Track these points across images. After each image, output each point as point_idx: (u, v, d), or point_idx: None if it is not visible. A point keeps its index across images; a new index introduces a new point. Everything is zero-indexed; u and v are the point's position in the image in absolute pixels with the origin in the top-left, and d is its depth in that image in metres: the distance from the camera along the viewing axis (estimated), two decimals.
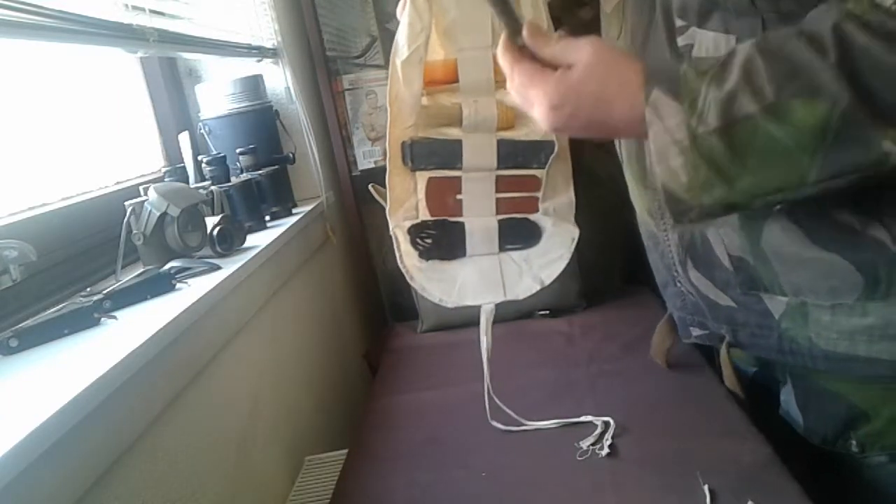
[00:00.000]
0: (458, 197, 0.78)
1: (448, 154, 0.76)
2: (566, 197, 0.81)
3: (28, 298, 0.87)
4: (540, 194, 0.80)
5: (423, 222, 0.78)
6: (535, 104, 0.62)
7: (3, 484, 0.52)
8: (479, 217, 0.79)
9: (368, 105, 1.78)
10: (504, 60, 0.63)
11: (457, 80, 0.75)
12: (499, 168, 0.78)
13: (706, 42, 0.68)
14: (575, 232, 0.81)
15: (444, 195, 0.78)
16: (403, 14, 0.72)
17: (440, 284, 0.78)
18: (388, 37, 1.82)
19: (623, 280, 1.48)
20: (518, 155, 0.78)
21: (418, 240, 0.78)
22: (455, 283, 0.79)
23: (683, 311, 0.89)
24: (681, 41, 0.70)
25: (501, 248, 0.80)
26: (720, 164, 0.56)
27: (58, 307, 0.82)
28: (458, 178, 0.78)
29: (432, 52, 0.74)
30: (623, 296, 1.42)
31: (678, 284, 0.86)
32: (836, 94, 0.53)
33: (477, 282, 0.79)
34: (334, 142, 1.75)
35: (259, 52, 1.50)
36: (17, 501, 0.55)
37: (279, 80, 1.56)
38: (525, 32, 0.62)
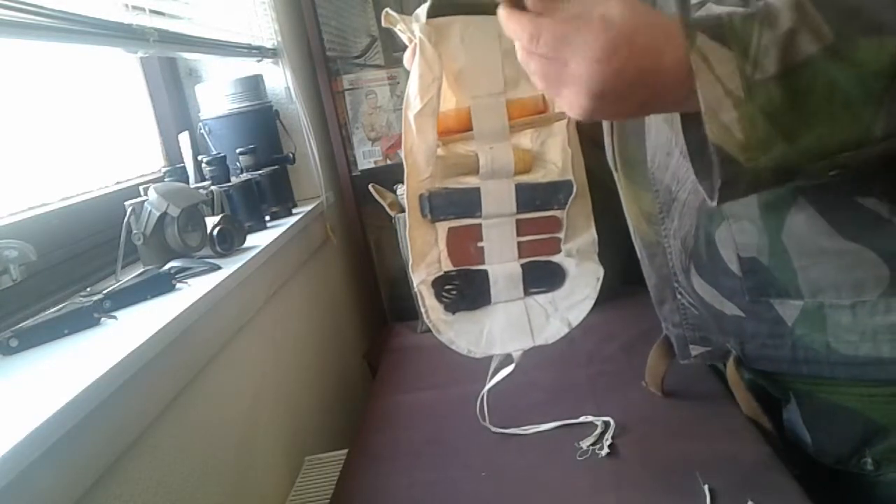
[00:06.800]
0: (480, 244, 0.77)
1: (467, 203, 0.75)
2: (588, 235, 0.80)
3: (28, 298, 0.87)
4: (562, 235, 0.79)
5: (447, 274, 0.77)
6: (572, 60, 0.50)
7: (3, 484, 0.52)
8: (501, 263, 0.78)
9: (368, 105, 1.78)
10: (519, 22, 0.52)
11: (471, 129, 0.73)
12: (518, 212, 0.77)
13: None
14: (599, 271, 0.80)
15: (465, 244, 0.77)
16: (413, 65, 0.70)
17: (468, 336, 0.77)
18: (388, 37, 1.82)
19: (622, 281, 1.48)
20: (537, 198, 0.77)
21: (443, 293, 0.77)
22: (482, 333, 0.78)
23: (683, 327, 0.86)
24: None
25: (526, 293, 0.79)
26: (780, 117, 0.50)
27: (58, 307, 0.82)
28: (479, 226, 0.77)
29: (443, 101, 0.72)
30: (623, 296, 1.42)
31: (678, 296, 0.83)
32: None
33: (504, 329, 0.78)
34: (334, 142, 1.75)
35: (259, 52, 1.50)
36: (17, 501, 0.55)
37: (279, 80, 1.56)
38: None
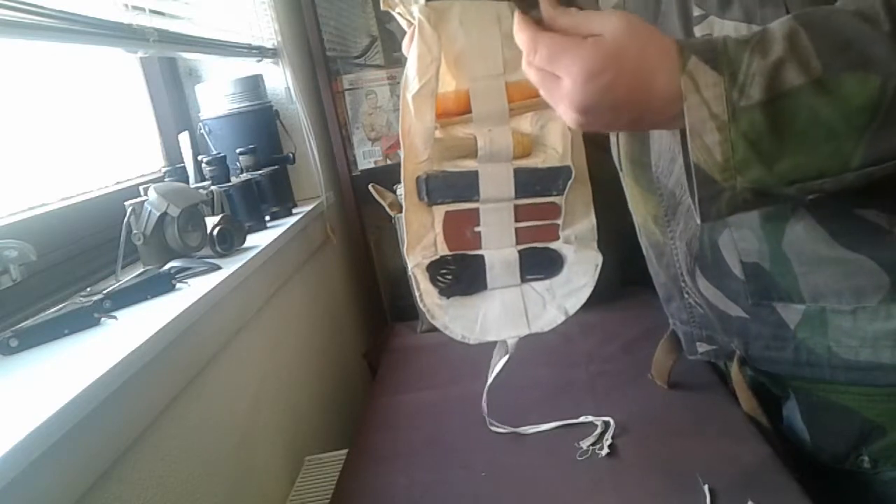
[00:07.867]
0: (477, 229, 0.76)
1: (464, 186, 0.74)
2: (588, 222, 0.79)
3: (28, 298, 0.87)
4: (560, 221, 0.78)
5: (442, 258, 0.75)
6: (564, 76, 0.53)
7: (4, 484, 0.52)
8: (498, 249, 0.77)
9: (368, 105, 1.78)
10: (523, 34, 0.56)
11: (470, 111, 0.72)
12: (517, 197, 0.76)
13: (726, 32, 0.65)
14: (598, 258, 0.78)
15: (461, 228, 0.75)
16: (412, 47, 0.69)
17: (462, 321, 0.76)
18: (388, 37, 1.83)
19: (623, 280, 1.48)
20: (536, 183, 0.75)
21: (438, 277, 0.75)
22: (477, 319, 0.77)
23: (690, 324, 0.86)
24: (697, 31, 0.67)
25: (523, 280, 0.78)
26: (760, 143, 0.52)
27: (58, 307, 0.82)
28: (476, 210, 0.75)
29: (442, 84, 0.71)
30: (623, 296, 1.42)
31: (686, 296, 0.84)
32: (892, 66, 0.49)
33: (499, 315, 0.77)
34: (334, 142, 1.75)
35: (259, 52, 1.50)
36: (18, 501, 0.55)
37: (279, 80, 1.57)
38: (542, 2, 0.56)
